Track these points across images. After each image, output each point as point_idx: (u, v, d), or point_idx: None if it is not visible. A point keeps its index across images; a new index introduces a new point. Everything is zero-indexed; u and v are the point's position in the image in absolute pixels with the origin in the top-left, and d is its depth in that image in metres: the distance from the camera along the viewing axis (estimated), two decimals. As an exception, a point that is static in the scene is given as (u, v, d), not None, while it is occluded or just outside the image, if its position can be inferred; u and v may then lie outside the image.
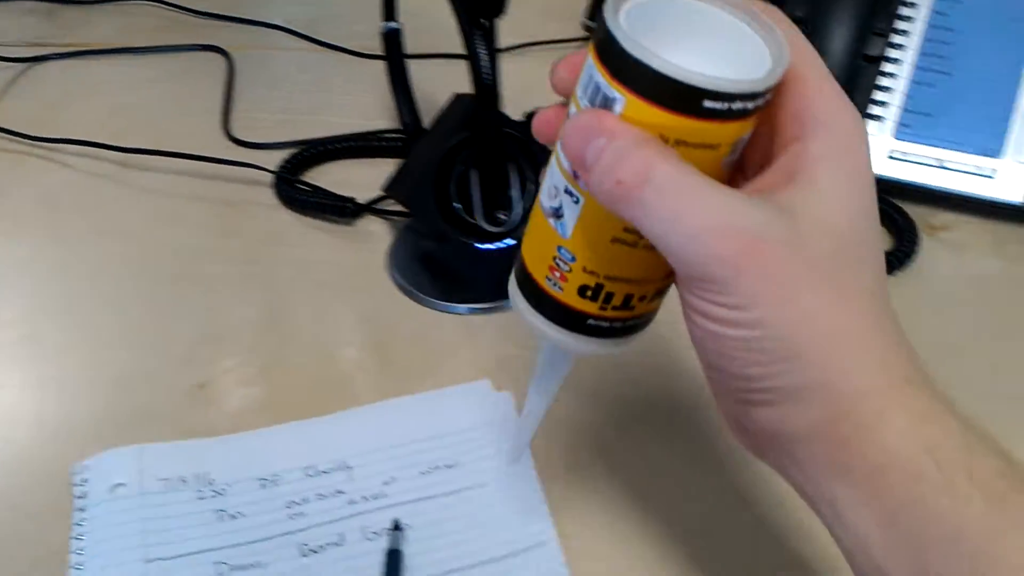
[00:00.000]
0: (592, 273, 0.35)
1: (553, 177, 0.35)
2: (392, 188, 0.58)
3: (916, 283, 0.58)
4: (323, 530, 0.46)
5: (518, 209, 0.56)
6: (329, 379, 0.54)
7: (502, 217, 0.56)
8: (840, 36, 0.62)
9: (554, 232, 0.36)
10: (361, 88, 0.66)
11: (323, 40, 0.78)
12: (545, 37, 0.78)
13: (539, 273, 0.37)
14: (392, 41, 0.62)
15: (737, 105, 0.31)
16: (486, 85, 0.51)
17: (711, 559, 0.45)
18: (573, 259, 0.36)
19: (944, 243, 0.60)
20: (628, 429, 0.51)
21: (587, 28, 0.77)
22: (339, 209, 0.62)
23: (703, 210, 0.31)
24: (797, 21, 0.63)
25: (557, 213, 0.35)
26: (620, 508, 0.47)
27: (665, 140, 0.31)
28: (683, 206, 0.31)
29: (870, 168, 0.33)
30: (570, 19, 0.78)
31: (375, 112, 0.66)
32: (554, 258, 0.36)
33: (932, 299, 0.57)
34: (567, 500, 0.47)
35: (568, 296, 0.37)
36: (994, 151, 0.61)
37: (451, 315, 0.57)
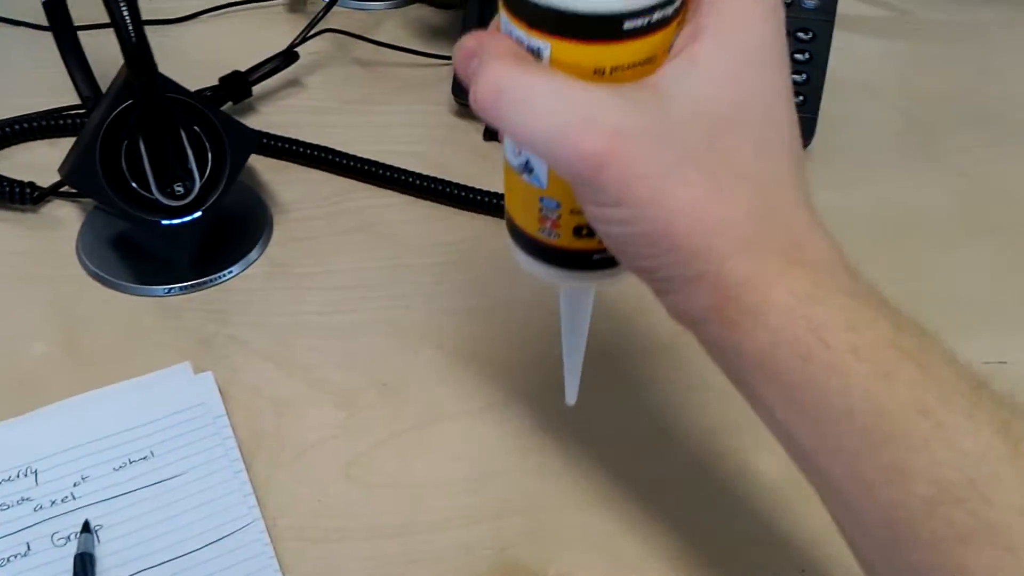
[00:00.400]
0: (580, 212, 0.34)
1: None
2: (62, 168, 0.54)
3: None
4: (6, 542, 0.43)
5: (197, 179, 0.53)
6: (15, 379, 0.50)
7: (179, 190, 0.53)
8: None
9: (530, 186, 0.36)
10: (48, 63, 0.62)
11: (5, 16, 0.72)
12: (241, -3, 0.75)
13: (531, 228, 0.37)
14: (55, 11, 0.57)
15: (657, 16, 0.31)
16: (133, 50, 0.48)
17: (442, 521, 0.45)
18: (558, 206, 0.35)
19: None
20: (338, 400, 0.50)
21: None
22: (19, 195, 0.57)
23: (560, 108, 0.30)
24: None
25: (527, 167, 0.35)
26: (333, 483, 0.47)
27: (602, 72, 0.31)
28: (539, 108, 0.31)
29: (770, 45, 0.32)
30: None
31: (66, 88, 0.62)
32: (540, 210, 0.36)
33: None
34: (276, 480, 0.46)
35: (566, 240, 0.37)
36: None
37: (148, 298, 0.54)
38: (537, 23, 0.31)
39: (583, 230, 0.36)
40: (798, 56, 0.63)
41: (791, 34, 0.64)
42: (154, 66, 0.51)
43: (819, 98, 0.63)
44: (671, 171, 0.30)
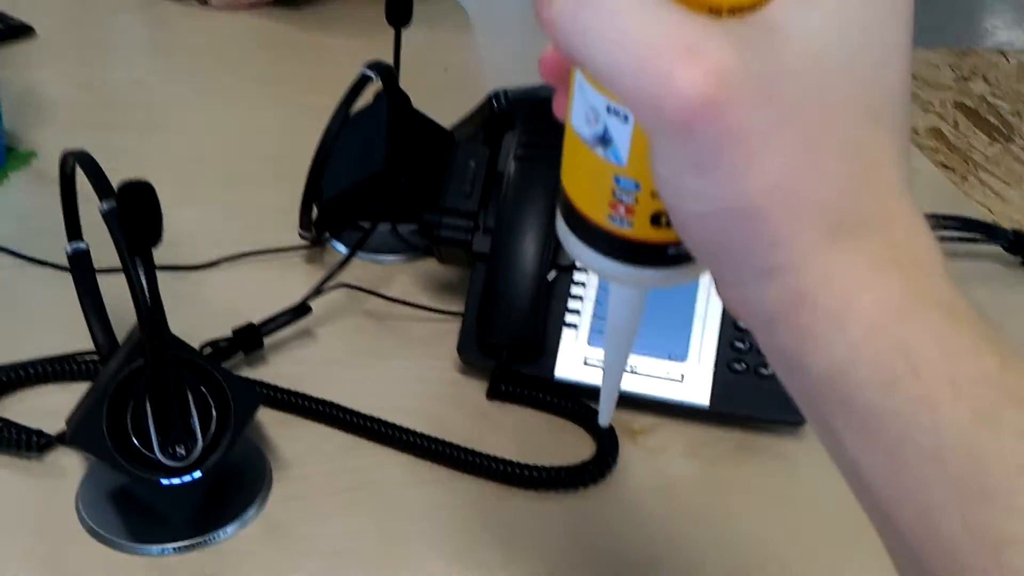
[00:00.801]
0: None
1: (587, 98, 0.30)
2: (68, 426, 0.55)
3: (616, 491, 0.60)
4: None
5: (200, 440, 0.54)
6: (-2, 642, 0.49)
7: (180, 451, 0.54)
8: (530, 247, 0.65)
9: (605, 163, 0.31)
10: (66, 304, 0.64)
11: (31, 255, 0.76)
12: (262, 246, 0.78)
13: (598, 213, 0.32)
14: (79, 262, 0.60)
15: None
16: (148, 313, 0.50)
17: None
18: (637, 187, 0.31)
19: (643, 448, 0.63)
20: None
21: (302, 237, 0.78)
22: (25, 443, 0.58)
23: (658, 30, 0.25)
24: (488, 231, 0.68)
25: (603, 139, 0.31)
26: None
27: (718, 11, 0.26)
28: (631, 25, 0.25)
29: (908, 10, 0.28)
30: (286, 228, 0.78)
31: (81, 331, 0.64)
32: (613, 192, 0.31)
33: (632, 508, 0.59)
34: None
35: (640, 231, 0.32)
36: (680, 356, 0.64)
37: (143, 557, 0.54)
38: None
39: (662, 218, 0.31)
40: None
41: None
42: (167, 331, 0.53)
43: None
44: (773, 132, 0.26)
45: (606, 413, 0.39)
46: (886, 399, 0.26)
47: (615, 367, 0.39)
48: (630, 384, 0.64)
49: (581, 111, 0.31)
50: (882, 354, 0.26)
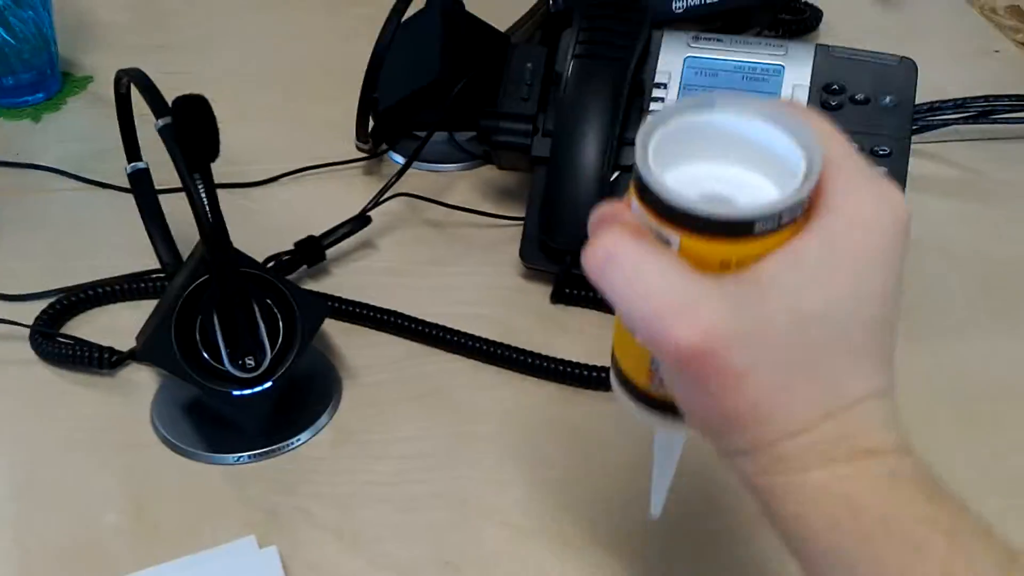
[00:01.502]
0: None
1: None
2: (138, 342, 0.55)
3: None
4: None
5: (268, 352, 0.54)
6: (86, 549, 0.50)
7: (250, 363, 0.54)
8: (591, 149, 0.63)
9: (644, 346, 0.36)
10: (130, 225, 0.64)
11: (92, 178, 0.76)
12: (320, 160, 0.77)
13: (641, 380, 0.38)
14: (139, 181, 0.60)
15: (786, 218, 0.32)
16: (210, 230, 0.50)
17: None
18: None
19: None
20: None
21: (359, 149, 0.77)
22: (98, 360, 0.59)
23: (663, 291, 0.32)
24: (548, 134, 0.66)
25: None
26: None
27: (728, 264, 0.33)
28: (643, 285, 0.32)
29: (882, 250, 0.33)
30: (343, 140, 0.77)
31: (147, 250, 0.64)
32: (651, 366, 0.38)
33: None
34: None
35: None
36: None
37: (218, 466, 0.55)
38: (670, 219, 0.33)
39: None
40: (868, 222, 0.63)
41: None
42: (230, 245, 0.52)
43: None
44: (756, 368, 0.32)
45: (657, 505, 0.43)
46: (834, 539, 0.33)
47: (662, 485, 0.43)
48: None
49: None
50: (830, 507, 0.32)
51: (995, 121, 0.80)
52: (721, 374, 0.32)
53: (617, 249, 0.33)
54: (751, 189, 0.34)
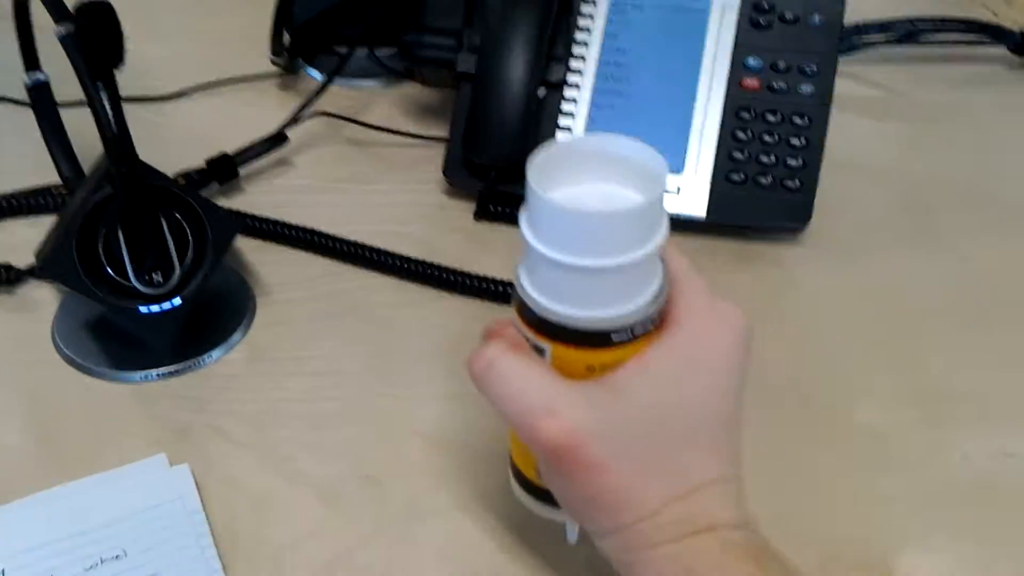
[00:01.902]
0: None
1: None
2: (38, 257, 0.52)
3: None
4: (-34, 650, 0.41)
5: (177, 267, 0.52)
6: (-16, 472, 0.48)
7: (158, 278, 0.51)
8: (519, 63, 0.62)
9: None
10: (30, 140, 0.61)
11: (-11, 90, 0.72)
12: (233, 74, 0.74)
13: (531, 474, 0.42)
14: (39, 94, 0.57)
15: (639, 330, 0.37)
16: (112, 139, 0.47)
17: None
18: None
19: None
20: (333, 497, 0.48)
21: (274, 63, 0.74)
22: (-5, 277, 0.56)
23: (531, 395, 0.37)
24: (474, 49, 0.64)
25: None
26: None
27: (592, 369, 0.37)
28: (515, 389, 0.37)
29: (721, 355, 0.38)
30: (257, 54, 0.74)
31: (47, 166, 0.61)
32: (536, 462, 0.41)
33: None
34: (247, 578, 0.44)
35: None
36: (676, 168, 0.62)
37: (124, 384, 0.53)
38: (542, 330, 0.37)
39: None
40: (794, 141, 0.63)
41: (788, 119, 0.63)
42: (135, 157, 0.50)
43: (815, 181, 0.62)
44: (612, 461, 0.37)
45: (573, 533, 0.45)
46: None
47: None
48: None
49: None
50: (673, 574, 0.37)
51: (919, 43, 0.81)
52: (583, 466, 0.36)
53: (495, 357, 0.38)
54: (621, 200, 0.37)
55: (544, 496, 0.42)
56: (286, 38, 0.74)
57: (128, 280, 0.51)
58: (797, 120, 0.63)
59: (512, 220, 0.65)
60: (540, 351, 0.38)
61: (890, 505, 0.49)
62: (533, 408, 0.37)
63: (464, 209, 0.65)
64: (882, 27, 0.80)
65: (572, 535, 0.44)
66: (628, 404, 0.37)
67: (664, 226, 0.37)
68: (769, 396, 0.54)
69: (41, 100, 0.59)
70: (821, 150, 0.63)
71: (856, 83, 0.79)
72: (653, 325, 0.38)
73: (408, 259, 0.60)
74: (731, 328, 0.39)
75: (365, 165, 0.69)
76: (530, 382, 0.37)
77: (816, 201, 0.63)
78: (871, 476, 0.50)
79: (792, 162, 0.62)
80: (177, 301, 0.53)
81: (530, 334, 0.38)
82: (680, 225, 0.62)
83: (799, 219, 0.62)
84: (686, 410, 0.38)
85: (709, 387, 0.38)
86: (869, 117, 0.76)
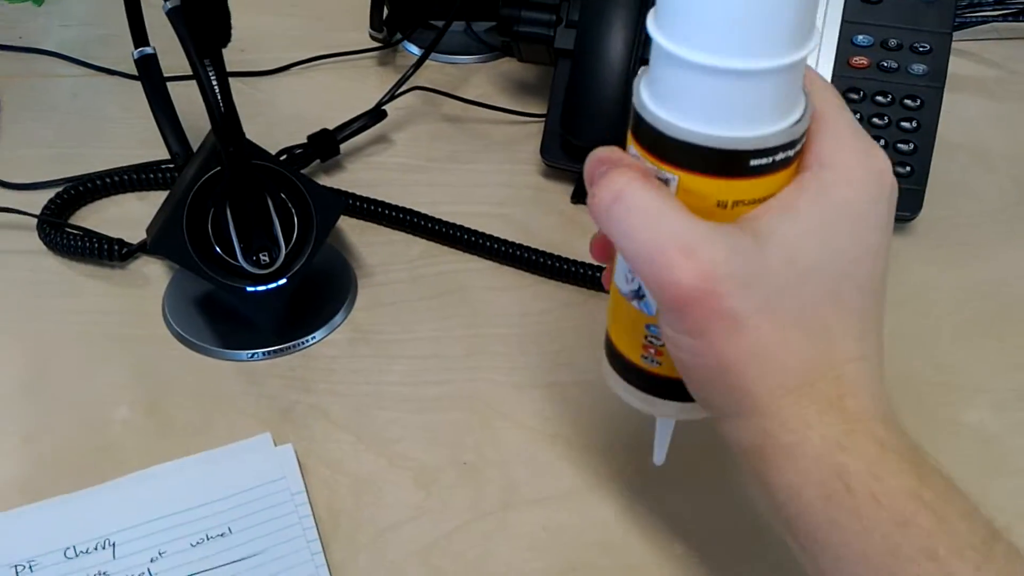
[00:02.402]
0: None
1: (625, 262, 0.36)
2: (149, 234, 0.54)
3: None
4: (82, 619, 0.43)
5: (283, 248, 0.53)
6: (97, 445, 0.50)
7: (264, 259, 0.52)
8: (619, 41, 0.61)
9: (639, 312, 0.37)
10: (139, 114, 0.62)
11: (98, 64, 0.73)
12: (332, 49, 0.74)
13: (633, 353, 0.38)
14: (147, 67, 0.58)
15: (780, 156, 0.33)
16: (220, 118, 0.48)
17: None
18: None
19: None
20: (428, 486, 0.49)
21: (373, 38, 0.74)
22: (108, 252, 0.58)
23: (666, 229, 0.32)
24: (572, 25, 0.63)
25: (638, 294, 0.37)
26: (412, 570, 0.45)
27: (724, 205, 0.33)
28: (647, 223, 0.33)
29: (870, 205, 0.34)
30: (356, 29, 0.74)
31: (156, 140, 0.62)
32: (645, 336, 0.38)
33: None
34: (353, 563, 0.45)
35: (667, 369, 0.38)
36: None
37: (232, 362, 0.54)
38: (667, 156, 0.33)
39: None
40: (905, 124, 0.61)
41: (898, 101, 0.61)
42: (242, 136, 0.50)
43: (927, 168, 0.60)
44: (750, 317, 0.32)
45: (660, 455, 0.43)
46: (826, 511, 0.32)
47: (663, 434, 0.43)
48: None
49: (621, 272, 0.38)
50: (823, 478, 0.32)
51: (1036, 20, 0.77)
52: (721, 318, 0.32)
53: (624, 189, 0.33)
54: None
55: (646, 383, 0.39)
56: (385, 12, 0.74)
57: (236, 260, 0.52)
58: (908, 102, 0.61)
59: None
60: (665, 183, 0.34)
61: (1000, 514, 0.47)
62: (666, 246, 0.32)
63: (561, 191, 0.65)
64: (996, 1, 0.77)
65: (660, 454, 0.42)
66: (772, 252, 0.33)
67: (816, 34, 0.32)
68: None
69: (149, 74, 0.60)
70: (934, 135, 0.61)
71: (970, 61, 0.76)
72: (795, 153, 0.33)
73: (505, 242, 0.60)
74: (881, 174, 0.35)
75: (462, 143, 0.69)
76: (664, 216, 0.32)
77: (928, 188, 0.61)
78: (981, 481, 0.48)
79: (903, 147, 0.61)
80: (282, 282, 0.53)
81: (652, 163, 0.34)
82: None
83: (910, 208, 0.60)
84: (835, 266, 0.33)
85: (859, 242, 0.34)
86: (983, 97, 0.73)
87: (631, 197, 0.33)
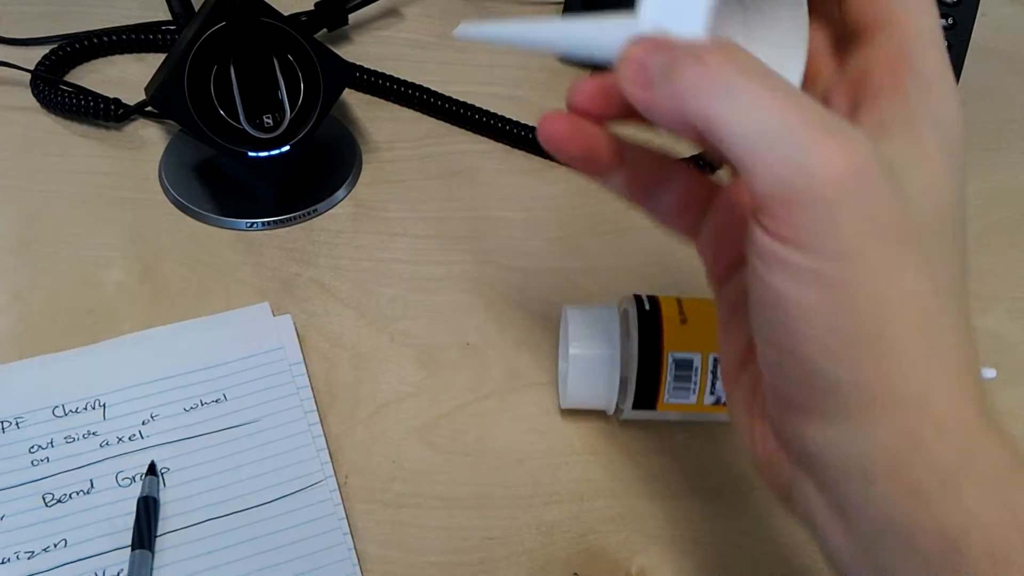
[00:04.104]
0: None
1: None
2: (148, 89, 0.51)
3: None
4: (70, 476, 0.41)
5: (288, 111, 0.50)
6: (89, 306, 0.48)
7: (268, 122, 0.50)
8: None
9: None
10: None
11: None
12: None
13: None
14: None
15: None
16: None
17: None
18: None
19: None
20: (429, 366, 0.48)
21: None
22: (103, 111, 0.55)
23: (802, 106, 0.23)
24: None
25: None
26: (410, 446, 0.44)
27: None
28: (783, 90, 0.24)
29: (962, 148, 0.27)
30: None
31: (157, 1, 0.59)
32: None
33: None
34: (350, 436, 0.44)
35: None
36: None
37: (230, 231, 0.52)
38: None
39: None
40: (941, 21, 0.58)
41: (934, -2, 0.58)
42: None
43: (960, 69, 0.58)
44: (902, 242, 0.23)
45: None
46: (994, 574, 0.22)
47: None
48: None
49: None
50: (996, 524, 0.22)
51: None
52: (872, 227, 0.23)
53: (737, 54, 0.24)
54: None
55: None
56: None
57: (238, 122, 0.50)
58: (945, -1, 0.59)
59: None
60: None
61: (1014, 421, 0.46)
62: (814, 118, 0.23)
63: (577, 75, 0.62)
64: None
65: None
66: (907, 182, 0.25)
67: None
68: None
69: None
70: (969, 33, 0.58)
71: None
72: None
73: (517, 124, 0.57)
74: (959, 110, 0.27)
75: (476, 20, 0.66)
76: (792, 92, 0.24)
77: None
78: (994, 387, 0.47)
79: (935, 48, 0.58)
80: (286, 148, 0.51)
81: None
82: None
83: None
84: (958, 214, 0.26)
85: (961, 191, 0.27)
86: (1018, 3, 0.71)
87: (749, 64, 0.24)
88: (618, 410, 0.44)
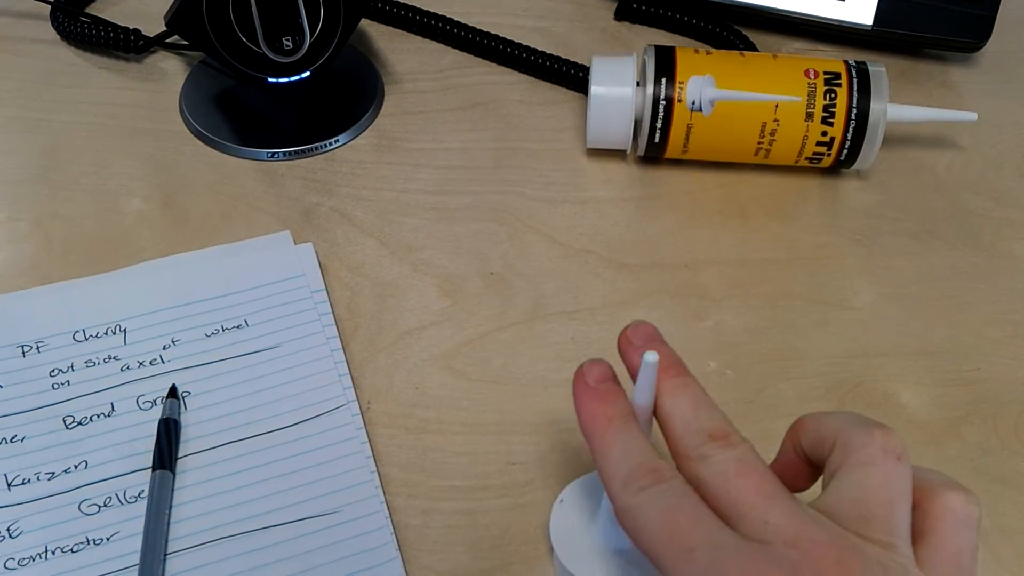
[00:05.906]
0: None
1: None
2: (167, 14, 0.50)
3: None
4: (91, 400, 0.41)
5: (308, 35, 0.49)
6: (111, 234, 0.48)
7: (287, 44, 0.49)
8: None
9: None
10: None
11: None
12: None
13: None
14: None
15: None
16: None
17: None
18: None
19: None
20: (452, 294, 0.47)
21: None
22: (123, 43, 0.54)
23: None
24: None
25: None
26: (433, 372, 0.43)
27: None
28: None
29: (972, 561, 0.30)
30: None
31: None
32: None
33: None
34: (372, 363, 0.43)
35: None
36: (842, -28, 0.56)
37: (251, 161, 0.51)
38: None
39: None
40: (980, -54, 0.56)
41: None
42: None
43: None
44: None
45: None
46: None
47: None
48: (782, 2, 0.56)
49: None
50: None
51: None
52: None
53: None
54: None
55: None
56: None
57: (257, 46, 0.49)
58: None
59: (655, 21, 0.62)
60: None
61: (1049, 348, 0.45)
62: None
63: (604, 7, 0.61)
64: None
65: None
66: None
67: None
68: (928, 225, 0.50)
69: None
70: None
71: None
72: None
73: (543, 54, 0.56)
74: (974, 526, 0.31)
75: (501, -45, 0.65)
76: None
77: (997, 20, 0.56)
78: (1030, 317, 0.46)
79: (974, -27, 0.56)
80: (306, 74, 0.50)
81: None
82: (844, 35, 0.58)
83: (977, 35, 0.56)
84: None
85: None
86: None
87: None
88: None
